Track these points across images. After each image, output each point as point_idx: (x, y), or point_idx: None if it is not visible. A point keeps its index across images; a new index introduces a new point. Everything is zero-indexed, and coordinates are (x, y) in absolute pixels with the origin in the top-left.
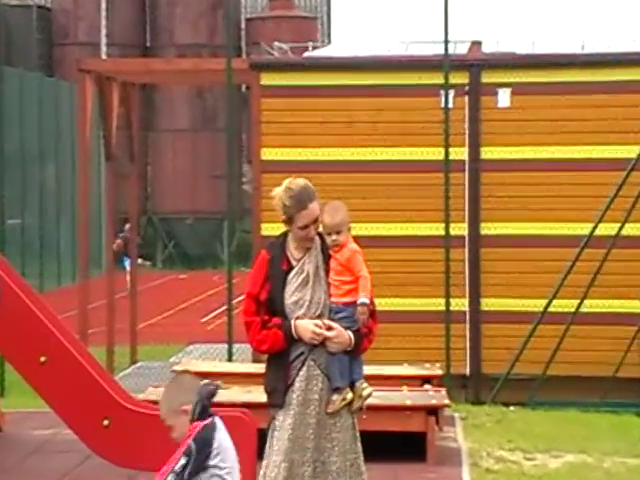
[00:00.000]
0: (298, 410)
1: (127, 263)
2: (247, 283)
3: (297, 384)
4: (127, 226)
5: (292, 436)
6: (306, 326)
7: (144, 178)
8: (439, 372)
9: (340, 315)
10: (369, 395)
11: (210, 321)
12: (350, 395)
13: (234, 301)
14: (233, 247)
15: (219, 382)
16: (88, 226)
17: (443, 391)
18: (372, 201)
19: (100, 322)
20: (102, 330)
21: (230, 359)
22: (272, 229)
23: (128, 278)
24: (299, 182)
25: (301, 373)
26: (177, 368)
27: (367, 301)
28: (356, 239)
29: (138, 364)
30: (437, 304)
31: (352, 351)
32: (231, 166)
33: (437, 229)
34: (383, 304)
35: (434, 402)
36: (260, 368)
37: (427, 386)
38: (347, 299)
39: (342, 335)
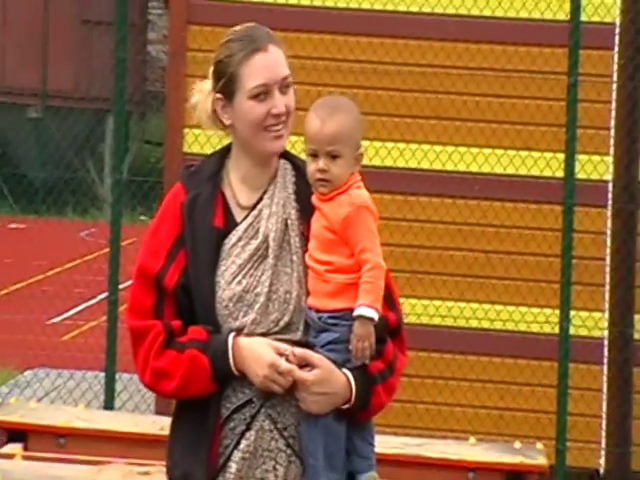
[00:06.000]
0: None
1: None
2: (141, 250)
3: (233, 467)
4: None
5: None
6: (259, 351)
7: None
8: (542, 461)
9: (327, 338)
10: None
11: (68, 324)
12: None
13: (122, 285)
14: (124, 173)
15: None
16: None
17: None
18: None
19: None
20: None
21: (110, 404)
22: (207, 143)
23: None
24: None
25: (243, 444)
26: None
27: (374, 315)
28: (366, 179)
29: None
30: (540, 320)
31: (352, 411)
32: (122, 4)
33: (543, 163)
34: (416, 313)
35: None
36: (167, 426)
37: None
38: (341, 304)
39: (330, 378)
